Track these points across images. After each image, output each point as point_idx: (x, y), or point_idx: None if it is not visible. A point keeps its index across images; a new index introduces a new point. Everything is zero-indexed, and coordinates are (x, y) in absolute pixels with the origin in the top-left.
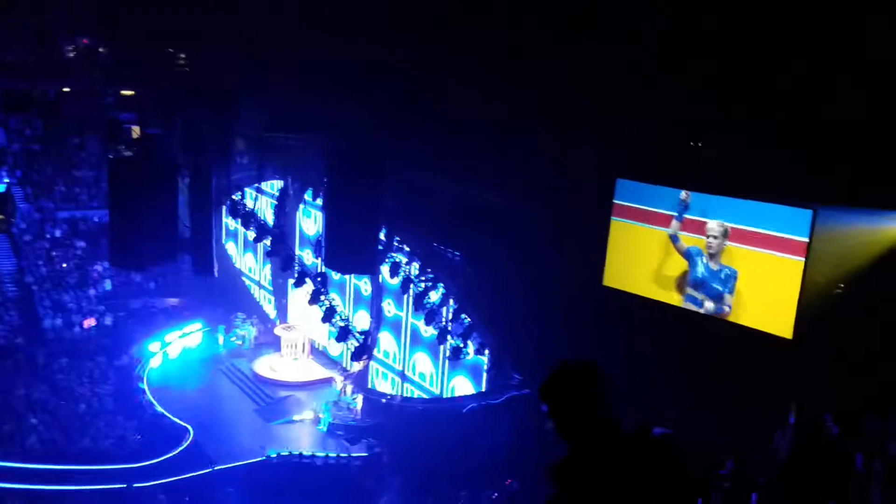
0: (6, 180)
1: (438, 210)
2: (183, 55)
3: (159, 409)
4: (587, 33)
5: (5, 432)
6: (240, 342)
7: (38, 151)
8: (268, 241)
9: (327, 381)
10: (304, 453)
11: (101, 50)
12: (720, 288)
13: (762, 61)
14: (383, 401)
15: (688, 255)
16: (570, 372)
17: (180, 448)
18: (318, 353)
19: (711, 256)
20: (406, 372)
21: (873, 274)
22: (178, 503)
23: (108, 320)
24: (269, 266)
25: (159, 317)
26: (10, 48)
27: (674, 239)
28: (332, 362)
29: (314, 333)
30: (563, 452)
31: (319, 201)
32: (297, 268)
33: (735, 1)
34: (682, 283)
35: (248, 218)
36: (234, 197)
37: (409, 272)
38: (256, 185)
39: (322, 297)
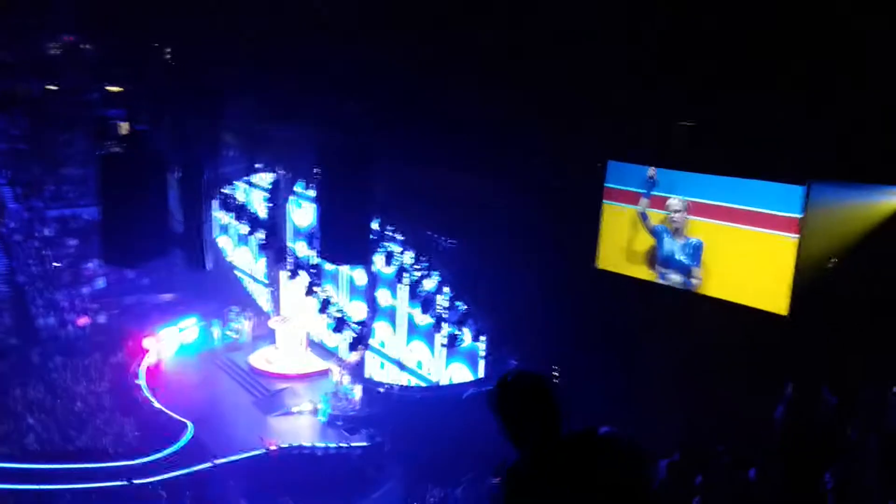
0: None
1: (432, 198)
2: (170, 50)
3: (157, 404)
4: (587, 33)
5: (2, 433)
6: (235, 335)
7: (26, 151)
8: (261, 235)
9: (324, 373)
10: (304, 444)
11: (86, 47)
12: (686, 261)
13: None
14: (381, 390)
15: (654, 232)
16: (516, 380)
17: (180, 443)
18: (315, 345)
19: (676, 231)
20: (403, 361)
21: (867, 248)
22: (180, 498)
23: (101, 318)
24: (262, 259)
25: (154, 313)
26: None
27: (643, 216)
28: (328, 353)
29: (310, 325)
30: (512, 454)
31: (312, 193)
32: (290, 260)
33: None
34: (652, 260)
35: (240, 211)
36: (224, 191)
37: (404, 261)
38: (247, 178)
39: (317, 289)
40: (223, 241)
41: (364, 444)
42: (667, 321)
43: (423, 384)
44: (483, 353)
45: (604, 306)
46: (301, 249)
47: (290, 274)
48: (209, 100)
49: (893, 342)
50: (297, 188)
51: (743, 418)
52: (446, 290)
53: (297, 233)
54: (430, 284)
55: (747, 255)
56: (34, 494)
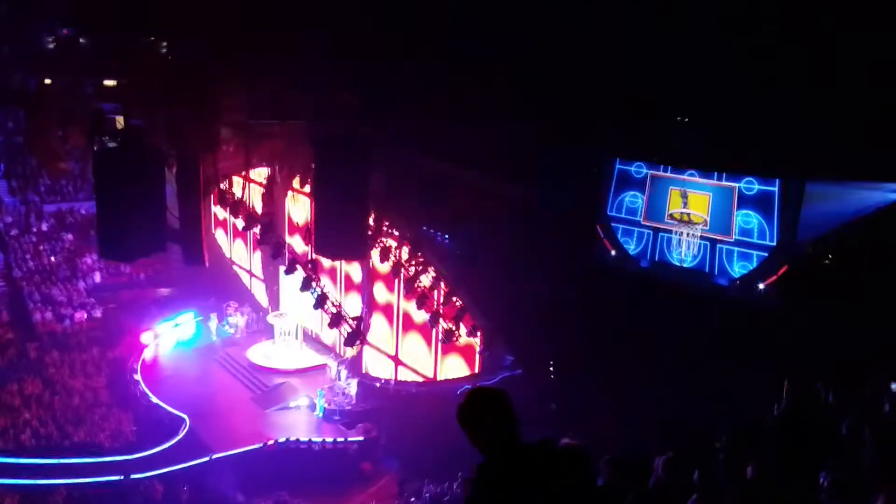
0: None
1: (429, 195)
2: (165, 43)
3: (154, 399)
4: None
5: None
6: (233, 330)
7: (22, 144)
8: (257, 230)
9: (321, 368)
10: (301, 439)
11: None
12: None
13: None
14: (378, 385)
15: None
16: (478, 398)
17: (177, 438)
18: (312, 340)
19: None
20: (399, 356)
21: (858, 240)
22: (176, 492)
23: (98, 312)
24: (259, 254)
25: (151, 307)
26: None
27: None
28: (325, 348)
29: (307, 320)
30: (479, 464)
31: (308, 188)
32: (287, 255)
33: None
34: None
35: (237, 206)
36: (221, 186)
37: (399, 256)
38: (244, 173)
39: (313, 284)
40: (221, 236)
41: (360, 438)
42: (671, 322)
43: (419, 380)
44: (479, 349)
45: (599, 302)
46: (298, 244)
47: (286, 269)
48: (202, 91)
49: (888, 336)
50: (295, 184)
51: (739, 414)
52: (442, 285)
53: (294, 228)
54: (425, 280)
55: None
56: (32, 489)
